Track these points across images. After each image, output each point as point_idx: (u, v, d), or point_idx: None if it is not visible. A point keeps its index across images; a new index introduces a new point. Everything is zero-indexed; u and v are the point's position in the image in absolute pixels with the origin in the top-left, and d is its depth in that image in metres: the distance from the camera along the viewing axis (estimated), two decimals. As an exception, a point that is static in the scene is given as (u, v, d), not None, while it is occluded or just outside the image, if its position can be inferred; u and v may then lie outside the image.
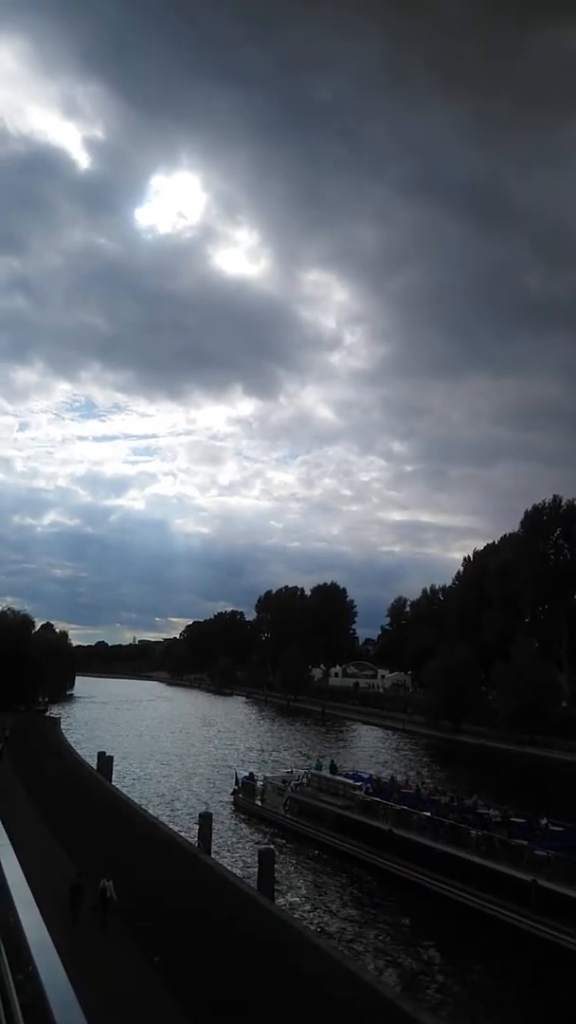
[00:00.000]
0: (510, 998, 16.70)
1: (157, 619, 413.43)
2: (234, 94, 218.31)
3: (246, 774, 36.02)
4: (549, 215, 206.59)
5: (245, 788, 34.09)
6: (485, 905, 19.89)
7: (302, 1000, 8.10)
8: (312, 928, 16.38)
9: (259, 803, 32.22)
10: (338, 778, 30.43)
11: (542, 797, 39.01)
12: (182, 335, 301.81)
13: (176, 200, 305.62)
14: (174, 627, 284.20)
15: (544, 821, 22.84)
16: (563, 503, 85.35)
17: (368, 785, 28.77)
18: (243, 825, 30.46)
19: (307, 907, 21.54)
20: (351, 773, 33.19)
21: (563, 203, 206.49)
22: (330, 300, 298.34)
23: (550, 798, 39.07)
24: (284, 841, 27.95)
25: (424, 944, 19.05)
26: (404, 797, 26.48)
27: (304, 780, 31.99)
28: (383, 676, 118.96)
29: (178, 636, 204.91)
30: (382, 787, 28.60)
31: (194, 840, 23.61)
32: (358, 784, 28.98)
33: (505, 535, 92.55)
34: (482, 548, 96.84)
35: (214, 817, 29.44)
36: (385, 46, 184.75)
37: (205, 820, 24.42)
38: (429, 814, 23.71)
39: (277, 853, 26.31)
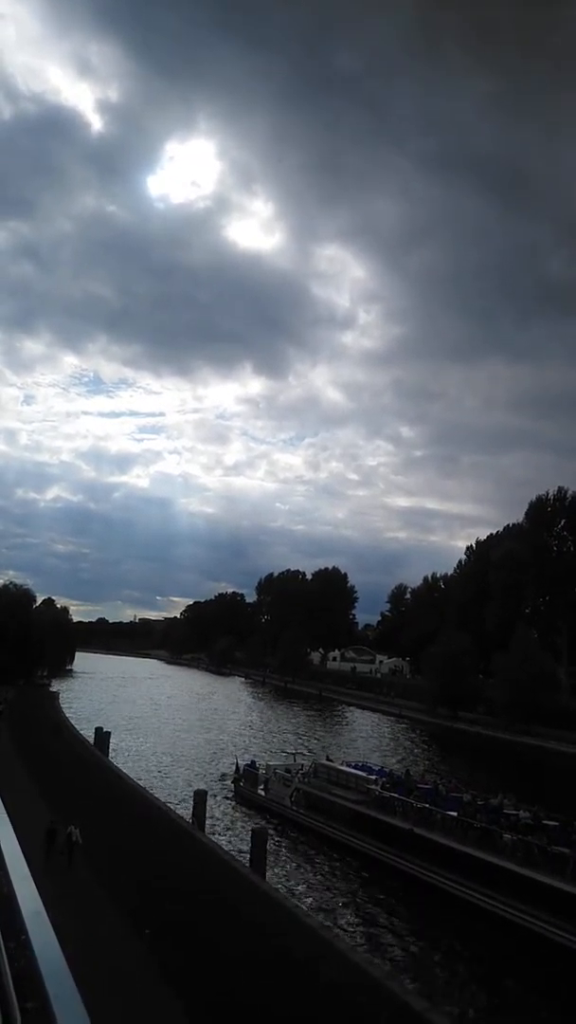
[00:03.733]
0: (537, 1011, 14.83)
1: (159, 598, 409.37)
2: (255, 58, 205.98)
3: (248, 761, 33.49)
4: (573, 199, 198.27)
5: (247, 776, 31.56)
6: (521, 916, 17.48)
7: (283, 972, 7.67)
8: (302, 908, 14.99)
9: (262, 793, 29.69)
10: (351, 770, 27.90)
11: (539, 787, 37.48)
12: (192, 309, 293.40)
13: (190, 168, 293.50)
14: (175, 606, 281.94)
15: (580, 826, 20.31)
16: (568, 494, 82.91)
17: (383, 779, 26.22)
18: (244, 815, 27.96)
19: (321, 907, 19.16)
20: (360, 764, 30.70)
21: None
22: (345, 277, 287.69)
23: (547, 789, 37.66)
24: (292, 835, 25.52)
25: (449, 952, 16.94)
26: (423, 793, 23.96)
27: (312, 770, 29.48)
28: (381, 661, 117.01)
29: (179, 615, 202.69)
30: (397, 781, 26.08)
31: (187, 817, 21.64)
32: (372, 778, 26.44)
33: (509, 525, 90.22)
34: (485, 537, 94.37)
35: (214, 807, 27.25)
36: (415, 14, 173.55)
37: (200, 797, 22.42)
38: (455, 814, 21.19)
39: (284, 848, 24.06)
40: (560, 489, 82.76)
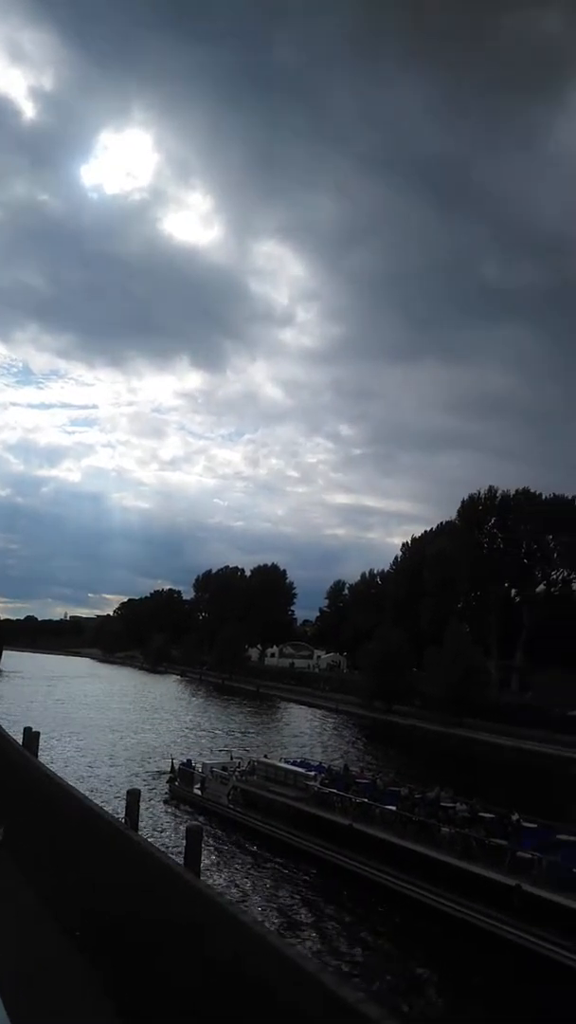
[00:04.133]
0: (480, 1004, 14.93)
1: (91, 595, 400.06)
2: (194, 51, 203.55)
3: (184, 760, 32.64)
4: (511, 203, 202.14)
5: (183, 775, 30.72)
6: (460, 910, 17.47)
7: (216, 968, 7.27)
8: (237, 904, 14.67)
9: (199, 792, 28.95)
10: (289, 767, 27.50)
11: (472, 779, 38.29)
12: (127, 301, 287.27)
13: (126, 159, 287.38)
14: (108, 604, 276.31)
15: (516, 817, 20.59)
16: (498, 493, 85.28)
17: (322, 775, 25.94)
18: (180, 815, 27.18)
19: (259, 904, 18.79)
20: (299, 761, 30.38)
21: (525, 191, 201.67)
22: (283, 274, 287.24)
23: (479, 781, 38.26)
24: (229, 834, 24.94)
25: (387, 946, 16.83)
26: (362, 789, 23.80)
27: (250, 768, 28.95)
28: (319, 657, 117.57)
29: (112, 613, 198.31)
30: (336, 777, 25.85)
31: (121, 818, 20.75)
32: (311, 774, 26.13)
33: (443, 523, 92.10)
34: (420, 535, 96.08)
35: (148, 807, 26.40)
36: (356, 12, 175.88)
37: (133, 797, 21.55)
38: (394, 808, 21.09)
39: (221, 847, 23.48)
40: (491, 488, 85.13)
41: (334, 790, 23.81)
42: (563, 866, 16.72)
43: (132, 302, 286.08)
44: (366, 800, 22.39)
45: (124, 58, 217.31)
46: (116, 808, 24.07)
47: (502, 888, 16.89)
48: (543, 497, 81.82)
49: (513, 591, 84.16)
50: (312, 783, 24.75)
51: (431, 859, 18.78)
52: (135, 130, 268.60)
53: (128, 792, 23.45)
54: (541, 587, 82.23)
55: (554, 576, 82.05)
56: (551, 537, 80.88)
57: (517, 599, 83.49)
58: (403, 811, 20.96)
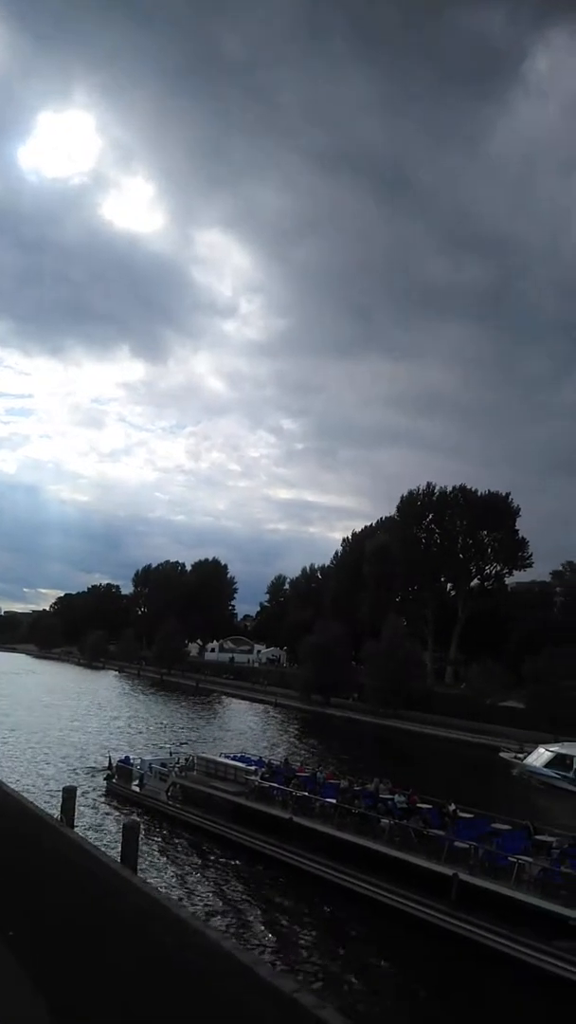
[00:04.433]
0: (416, 992, 15.09)
1: (26, 590, 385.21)
2: (139, 34, 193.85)
3: (121, 756, 31.86)
4: (454, 201, 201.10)
5: (120, 772, 29.98)
6: (399, 900, 17.57)
7: (151, 962, 7.38)
8: (173, 899, 14.49)
9: (137, 789, 28.31)
10: (229, 761, 27.18)
11: (409, 770, 39.31)
12: (65, 288, 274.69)
13: (66, 142, 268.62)
14: (45, 598, 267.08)
15: (452, 807, 20.90)
16: (436, 490, 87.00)
17: (262, 769, 25.73)
18: (117, 812, 26.50)
19: (198, 899, 18.48)
20: (239, 756, 30.08)
21: (468, 190, 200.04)
22: (227, 265, 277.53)
23: (416, 771, 39.37)
24: (169, 830, 24.44)
25: (327, 938, 16.80)
26: (302, 782, 23.71)
27: (189, 763, 28.48)
28: (259, 651, 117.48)
29: (49, 608, 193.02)
30: (276, 771, 25.69)
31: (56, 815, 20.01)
32: (251, 768, 25.88)
33: (382, 518, 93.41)
34: (360, 530, 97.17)
35: (85, 805, 25.64)
36: (304, 4, 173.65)
37: (68, 793, 21.08)
38: (334, 801, 21.06)
39: (161, 844, 23.01)
40: (429, 485, 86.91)
41: (274, 784, 23.65)
42: (498, 855, 17.03)
43: (71, 289, 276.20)
44: (306, 793, 22.32)
45: (66, 37, 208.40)
46: (52, 806, 23.28)
47: (440, 878, 17.07)
48: (479, 494, 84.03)
49: (449, 585, 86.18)
50: (252, 777, 24.53)
51: (371, 851, 18.84)
52: (77, 112, 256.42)
53: (64, 789, 22.72)
54: (476, 582, 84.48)
55: (488, 571, 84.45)
56: (485, 533, 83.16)
57: (452, 593, 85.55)
58: (343, 804, 20.95)
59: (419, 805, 21.28)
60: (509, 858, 16.72)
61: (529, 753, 41.50)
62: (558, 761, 38.12)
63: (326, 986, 14.65)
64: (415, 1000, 15.00)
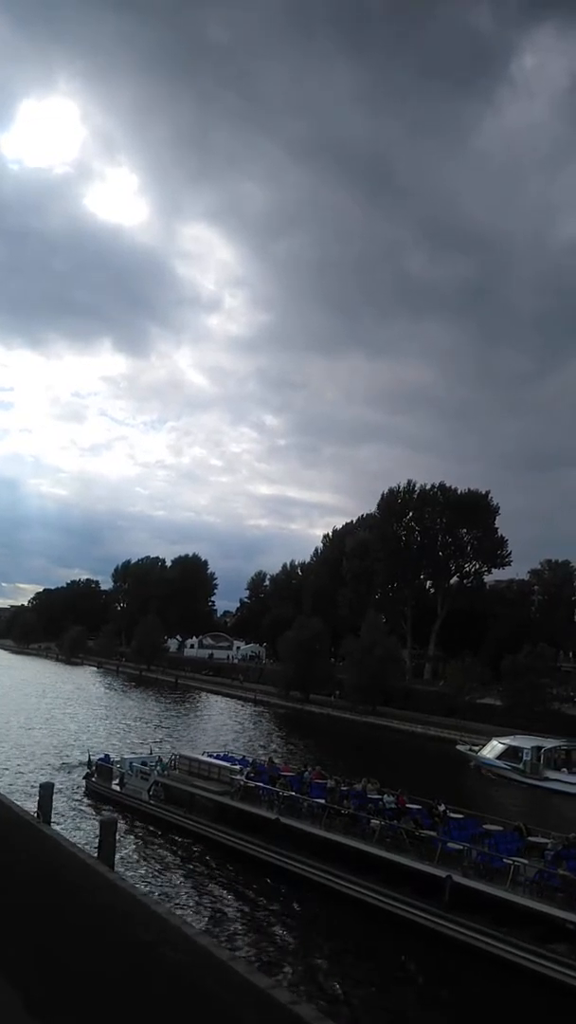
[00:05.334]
0: (407, 995, 14.54)
1: (4, 584, 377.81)
2: (122, 20, 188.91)
3: (101, 755, 30.88)
4: (436, 197, 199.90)
5: (100, 771, 29.04)
6: (391, 903, 16.98)
7: (128, 958, 7.45)
8: (151, 896, 14.02)
9: (117, 788, 27.41)
10: (213, 760, 26.39)
11: (380, 762, 39.44)
12: (47, 279, 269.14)
13: (49, 131, 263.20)
14: (23, 593, 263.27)
15: (442, 807, 20.36)
16: (416, 487, 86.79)
17: (247, 768, 24.98)
18: (97, 811, 25.58)
19: (181, 900, 17.75)
20: (222, 754, 29.30)
21: (450, 186, 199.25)
22: (211, 259, 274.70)
23: (394, 766, 39.20)
24: (151, 831, 23.61)
25: (313, 938, 16.26)
26: (288, 782, 23.02)
27: (171, 762, 27.63)
28: (239, 648, 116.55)
29: (27, 603, 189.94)
30: (261, 770, 24.97)
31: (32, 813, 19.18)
32: (236, 767, 25.12)
33: (363, 515, 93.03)
34: (341, 526, 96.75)
35: (63, 804, 24.75)
36: None
37: (46, 790, 20.34)
38: (323, 801, 20.40)
39: (142, 844, 22.22)
40: (409, 482, 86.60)
41: (260, 784, 22.93)
42: (492, 856, 16.49)
43: (53, 281, 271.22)
44: (293, 793, 21.63)
45: (50, 24, 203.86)
46: (28, 803, 22.32)
47: (432, 879, 16.51)
48: (458, 491, 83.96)
49: (428, 583, 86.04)
50: (237, 777, 23.77)
51: (361, 852, 18.25)
52: (60, 100, 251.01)
53: (41, 786, 21.80)
54: (455, 579, 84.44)
55: (467, 568, 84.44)
56: (465, 530, 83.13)
57: (432, 590, 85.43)
58: (332, 804, 20.29)
59: (408, 805, 20.70)
60: (504, 860, 16.18)
61: (483, 746, 42.91)
62: (509, 753, 39.88)
63: (314, 988, 14.05)
64: (407, 1003, 14.43)
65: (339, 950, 15.98)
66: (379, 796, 21.47)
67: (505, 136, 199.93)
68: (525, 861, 16.32)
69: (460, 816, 20.10)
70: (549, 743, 40.56)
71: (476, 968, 15.05)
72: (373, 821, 19.01)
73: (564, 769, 38.17)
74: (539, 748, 39.38)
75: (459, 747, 46.20)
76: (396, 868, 17.34)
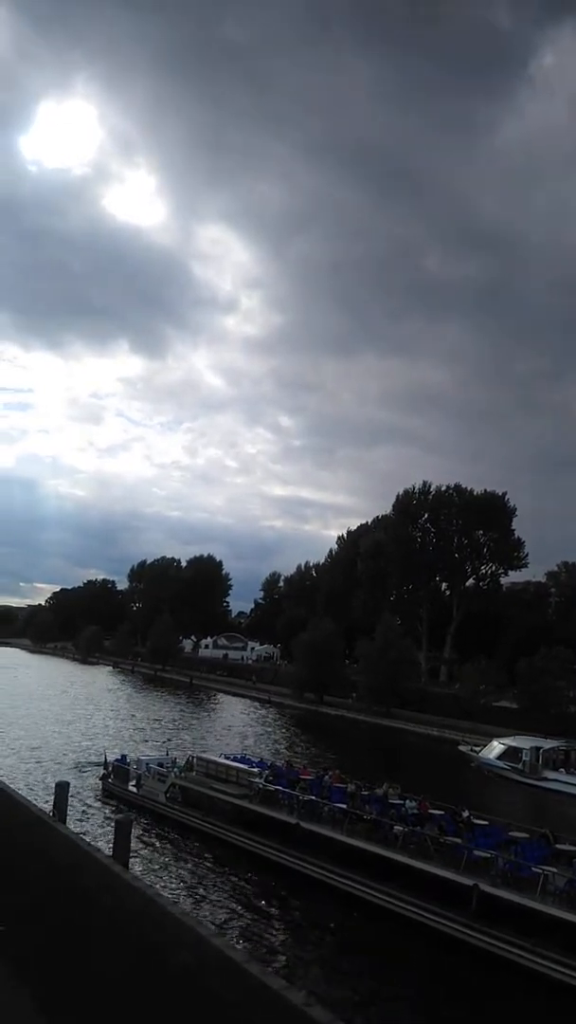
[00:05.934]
0: (435, 1006, 14.10)
1: (22, 584, 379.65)
2: (138, 21, 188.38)
3: (117, 756, 30.58)
4: (452, 196, 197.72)
5: (117, 772, 28.71)
6: (415, 911, 16.48)
7: (140, 958, 7.32)
8: (165, 896, 13.57)
9: (134, 789, 27.08)
10: (231, 763, 26.00)
11: (395, 765, 39.04)
12: (65, 280, 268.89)
13: (68, 132, 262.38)
14: (41, 593, 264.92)
15: (467, 813, 19.83)
16: (431, 489, 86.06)
17: (266, 771, 24.56)
18: (112, 812, 25.26)
19: (199, 906, 17.32)
20: (240, 756, 28.91)
21: (467, 185, 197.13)
22: (228, 260, 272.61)
23: (401, 767, 39.02)
24: (168, 834, 23.25)
25: (337, 949, 15.77)
26: (308, 785, 22.57)
27: (188, 764, 27.27)
28: (253, 648, 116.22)
29: (44, 603, 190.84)
30: (280, 773, 24.53)
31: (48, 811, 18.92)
32: (255, 770, 24.71)
33: (378, 516, 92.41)
34: (355, 527, 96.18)
35: (79, 805, 24.47)
36: None
37: (61, 790, 20.07)
38: (344, 806, 19.93)
39: (160, 847, 21.87)
40: (425, 483, 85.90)
41: (279, 787, 22.49)
42: (521, 865, 15.96)
43: (71, 282, 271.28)
44: (313, 798, 21.18)
45: (67, 26, 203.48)
46: (44, 803, 22.06)
47: (459, 888, 16.01)
48: (474, 492, 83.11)
49: (444, 585, 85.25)
50: (256, 780, 23.35)
51: (384, 858, 17.75)
52: (78, 102, 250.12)
53: (56, 785, 21.52)
54: (471, 581, 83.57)
55: (483, 571, 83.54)
56: (481, 532, 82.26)
57: (447, 592, 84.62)
58: (353, 809, 19.83)
59: (431, 811, 20.17)
60: (533, 868, 15.64)
61: (484, 747, 42.91)
62: (509, 754, 39.90)
63: (333, 993, 13.60)
64: (434, 1015, 13.97)
65: (361, 957, 15.56)
66: (400, 801, 20.95)
67: (524, 135, 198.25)
68: (554, 870, 15.78)
69: (485, 823, 19.55)
70: (548, 743, 40.57)
71: (505, 978, 14.55)
72: (396, 827, 18.51)
73: (563, 769, 38.13)
74: (538, 748, 39.38)
75: (461, 747, 46.23)
76: (420, 875, 16.84)
